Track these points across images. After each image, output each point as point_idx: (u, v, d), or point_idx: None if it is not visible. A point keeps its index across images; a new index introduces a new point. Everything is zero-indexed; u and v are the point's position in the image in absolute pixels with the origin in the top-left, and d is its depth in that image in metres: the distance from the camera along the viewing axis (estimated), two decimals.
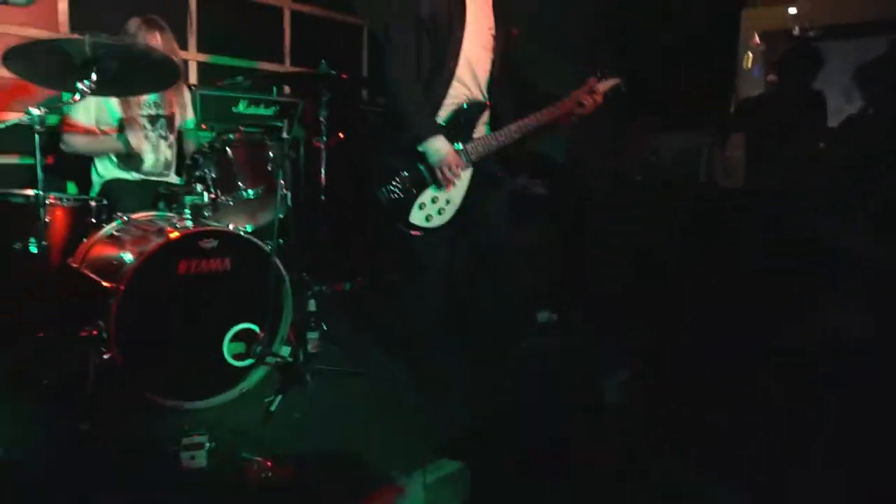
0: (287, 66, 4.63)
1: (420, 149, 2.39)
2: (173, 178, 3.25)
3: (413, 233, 2.49)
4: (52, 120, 3.00)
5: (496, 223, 2.60)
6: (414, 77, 2.38)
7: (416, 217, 2.48)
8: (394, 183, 2.45)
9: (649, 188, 3.73)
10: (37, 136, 2.20)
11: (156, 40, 2.99)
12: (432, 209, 2.48)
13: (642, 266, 3.59)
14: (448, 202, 2.49)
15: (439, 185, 2.43)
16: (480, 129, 2.53)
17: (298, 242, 2.93)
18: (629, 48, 2.50)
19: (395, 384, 2.70)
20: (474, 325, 2.78)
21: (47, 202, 2.51)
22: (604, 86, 2.48)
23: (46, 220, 2.49)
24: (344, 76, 2.99)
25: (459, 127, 2.46)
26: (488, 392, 2.59)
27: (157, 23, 3.05)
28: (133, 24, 3.03)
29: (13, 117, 2.28)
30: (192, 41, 4.13)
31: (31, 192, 2.66)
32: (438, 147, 2.37)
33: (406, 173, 2.44)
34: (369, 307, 3.82)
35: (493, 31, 2.46)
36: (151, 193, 2.96)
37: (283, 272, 2.55)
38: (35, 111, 2.17)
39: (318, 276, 3.10)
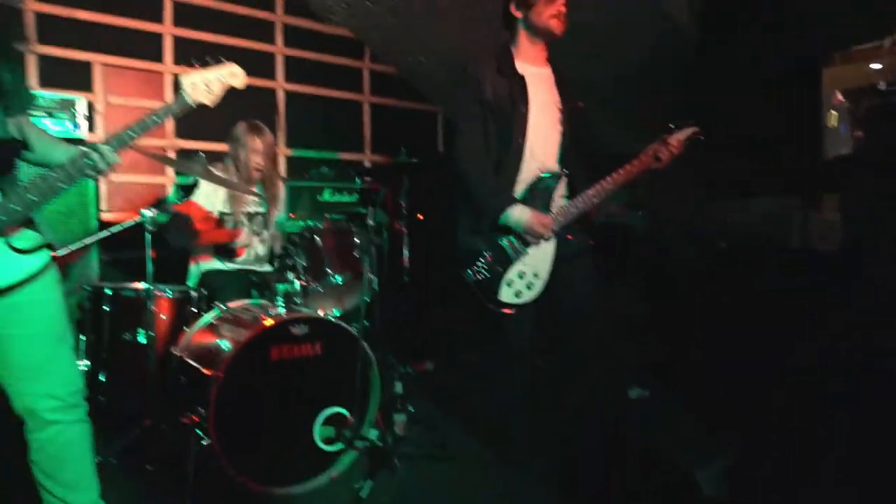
0: (367, 155, 4.88)
1: (501, 223, 2.43)
2: (266, 267, 3.41)
3: (505, 311, 2.48)
4: (162, 219, 3.26)
5: (581, 292, 2.56)
6: (483, 159, 2.46)
7: (506, 295, 2.47)
8: (479, 263, 2.47)
9: (737, 255, 3.59)
10: (147, 235, 2.40)
11: (256, 143, 3.22)
12: (521, 285, 2.48)
13: (742, 340, 3.41)
14: (536, 275, 2.48)
15: (523, 255, 2.45)
16: (559, 201, 2.54)
17: (384, 325, 2.98)
18: (708, 115, 2.47)
19: (484, 469, 2.63)
20: (560, 400, 2.70)
21: (154, 294, 2.70)
22: (680, 136, 2.43)
23: (153, 311, 2.68)
24: (422, 162, 3.11)
25: (537, 200, 2.49)
26: (576, 476, 2.48)
27: (259, 126, 3.30)
28: (239, 128, 3.28)
29: (129, 219, 2.51)
30: (281, 137, 4.44)
31: (140, 285, 2.88)
32: (519, 214, 2.41)
33: (489, 253, 2.47)
34: (454, 388, 3.79)
35: (559, 106, 2.53)
36: (246, 281, 3.12)
37: (371, 355, 2.59)
38: (147, 212, 2.38)
39: (403, 358, 3.13)
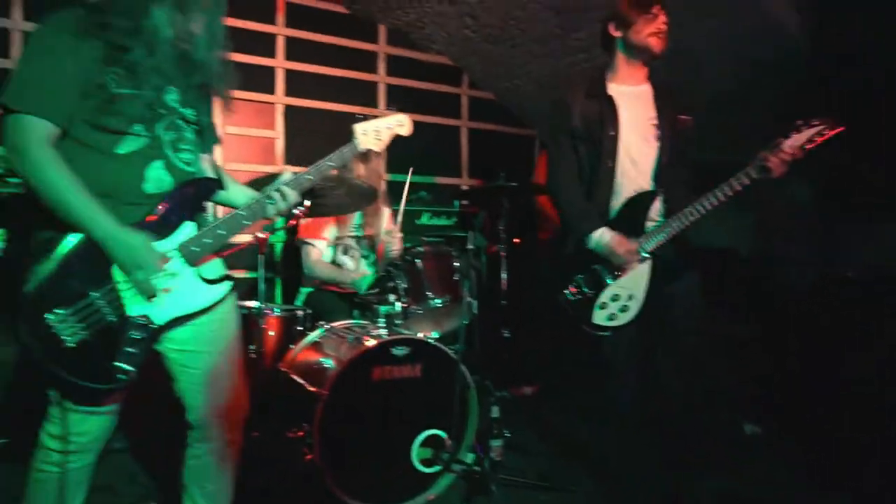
0: (464, 179, 4.94)
1: (588, 246, 2.41)
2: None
3: (599, 333, 2.43)
4: (273, 239, 3.44)
5: (681, 315, 2.46)
6: (573, 183, 2.48)
7: (599, 317, 2.43)
8: (573, 285, 2.45)
9: (868, 285, 3.30)
10: (260, 256, 2.54)
11: (360, 166, 3.35)
12: (614, 307, 2.42)
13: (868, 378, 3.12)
14: (631, 298, 2.41)
15: (615, 278, 2.39)
16: (654, 220, 2.46)
17: (482, 348, 2.98)
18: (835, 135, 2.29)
19: (583, 499, 2.54)
20: (664, 429, 2.58)
21: (264, 313, 2.83)
22: (800, 138, 2.17)
23: (263, 328, 2.81)
24: (521, 186, 3.11)
25: (630, 221, 2.43)
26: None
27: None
28: None
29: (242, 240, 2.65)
30: (381, 162, 4.57)
31: (252, 303, 3.04)
32: (600, 237, 2.39)
33: (583, 275, 2.45)
34: (552, 413, 3.71)
35: (654, 122, 2.45)
36: (349, 301, 3.22)
37: (469, 379, 2.59)
38: (260, 234, 2.52)
39: (501, 382, 3.09)
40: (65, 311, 1.52)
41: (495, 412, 3.03)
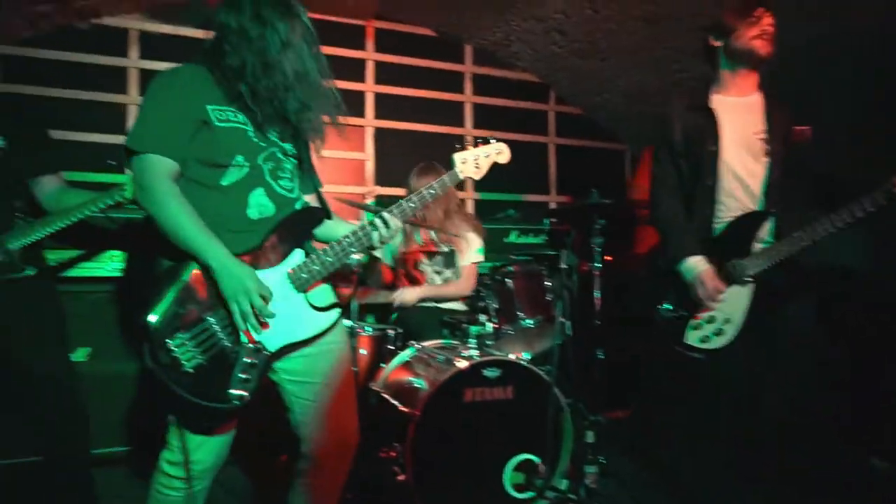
0: (553, 196, 4.86)
1: (679, 269, 2.30)
2: (455, 305, 3.50)
3: (692, 355, 2.30)
4: (364, 260, 3.48)
5: (789, 343, 2.27)
6: (672, 202, 2.37)
7: (692, 338, 2.29)
8: (666, 304, 2.33)
9: None
10: (354, 275, 2.58)
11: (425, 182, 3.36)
12: (708, 330, 2.28)
13: None
14: (727, 322, 2.26)
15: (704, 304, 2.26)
16: (762, 241, 2.29)
17: (575, 370, 2.88)
18: None
19: None
20: (768, 459, 2.38)
21: (357, 332, 2.87)
22: None
23: (355, 347, 2.84)
24: (618, 203, 3.01)
25: (734, 242, 2.27)
26: None
27: (432, 168, 3.45)
28: (413, 172, 3.46)
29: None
30: (469, 182, 4.58)
31: (345, 322, 3.09)
32: (694, 266, 2.27)
33: (677, 293, 2.32)
34: (649, 439, 3.53)
35: (761, 135, 2.29)
36: (438, 320, 3.21)
37: (563, 402, 2.51)
38: (354, 256, 2.56)
39: (594, 405, 2.98)
40: (184, 336, 1.59)
41: (590, 437, 2.93)
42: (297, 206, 1.83)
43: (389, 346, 3.05)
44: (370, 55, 4.31)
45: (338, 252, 1.77)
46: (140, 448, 2.97)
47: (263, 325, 1.66)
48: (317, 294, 1.80)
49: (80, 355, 2.90)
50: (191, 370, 1.58)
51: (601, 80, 4.44)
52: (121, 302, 3.04)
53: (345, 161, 4.26)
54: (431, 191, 1.91)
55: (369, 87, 4.32)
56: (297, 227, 1.76)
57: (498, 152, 2.09)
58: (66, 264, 3.06)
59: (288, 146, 1.81)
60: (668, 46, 3.77)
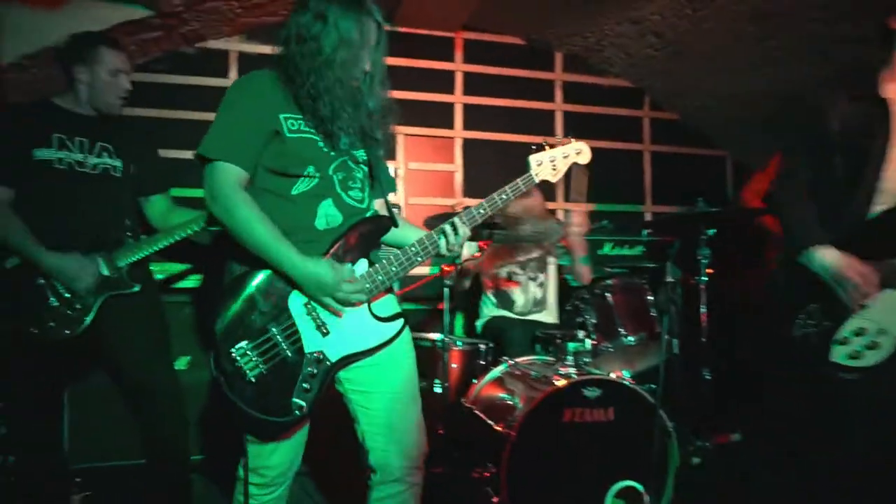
0: (648, 206, 4.64)
1: (801, 261, 2.03)
2: (548, 317, 3.39)
3: (843, 375, 2.03)
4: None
5: None
6: (801, 197, 2.08)
7: (837, 355, 2.03)
8: (801, 317, 2.07)
9: None
10: (446, 290, 2.52)
11: (525, 202, 3.29)
12: (858, 343, 2.01)
13: None
14: (882, 332, 1.98)
15: (855, 309, 1.98)
16: None
17: (682, 391, 2.69)
18: None
19: None
20: None
21: (448, 346, 2.81)
22: None
23: (447, 362, 2.79)
24: (728, 212, 2.80)
25: (884, 238, 2.00)
26: None
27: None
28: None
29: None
30: (560, 192, 4.46)
31: (435, 335, 3.05)
32: (823, 256, 1.99)
33: (815, 305, 2.06)
34: (765, 467, 3.25)
35: None
36: (530, 333, 3.11)
37: (669, 426, 2.33)
38: (446, 268, 2.51)
39: (701, 429, 2.77)
40: (247, 345, 1.59)
41: (696, 463, 2.73)
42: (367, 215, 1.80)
43: (480, 361, 2.97)
44: (459, 66, 4.29)
45: (403, 262, 1.73)
46: (217, 455, 3.03)
47: (357, 303, 1.66)
48: (381, 304, 1.77)
49: (181, 364, 3.01)
50: (253, 380, 1.58)
51: (700, 83, 4.20)
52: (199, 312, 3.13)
53: (434, 173, 4.24)
54: (503, 196, 1.82)
55: (458, 98, 4.29)
56: (362, 237, 1.73)
57: (577, 152, 1.95)
58: (171, 279, 3.20)
59: (359, 153, 1.78)
60: (776, 45, 3.50)
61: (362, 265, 1.72)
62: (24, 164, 2.26)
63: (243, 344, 1.59)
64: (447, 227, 1.77)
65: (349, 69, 1.67)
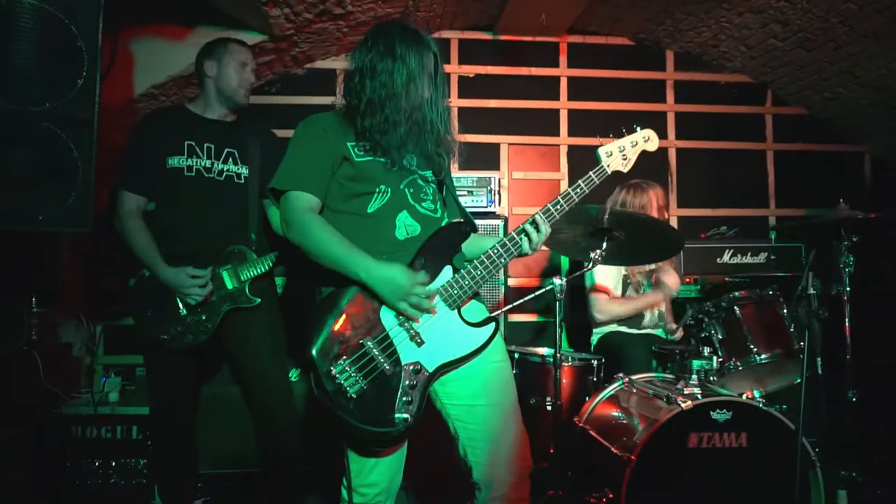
0: (772, 210, 4.28)
1: None
2: (658, 331, 3.19)
3: None
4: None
5: None
6: None
7: None
8: None
9: None
10: (558, 303, 2.41)
11: (648, 200, 3.09)
12: None
13: None
14: None
15: None
16: None
17: (826, 415, 2.42)
18: None
19: None
20: None
21: (560, 362, 2.69)
22: None
23: (558, 378, 2.66)
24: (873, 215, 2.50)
25: None
26: None
27: (642, 186, 3.16)
28: (621, 190, 3.21)
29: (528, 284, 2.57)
30: (672, 197, 4.21)
31: (544, 350, 2.94)
32: None
33: None
34: None
35: None
36: (648, 349, 2.93)
37: (813, 454, 2.09)
38: (557, 281, 2.40)
39: (847, 458, 2.48)
40: (346, 363, 1.59)
41: (842, 498, 2.44)
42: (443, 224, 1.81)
43: (592, 378, 2.83)
44: (563, 71, 4.17)
45: (487, 265, 1.72)
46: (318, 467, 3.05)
47: (430, 310, 1.65)
48: (470, 309, 1.76)
49: (292, 375, 3.08)
50: (354, 396, 1.58)
51: (834, 72, 3.82)
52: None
53: (539, 181, 4.13)
54: (578, 190, 1.82)
55: (563, 105, 4.16)
56: (444, 244, 1.74)
57: (646, 139, 1.94)
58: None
59: (427, 173, 1.84)
60: None
61: (447, 272, 1.72)
62: (159, 171, 2.39)
63: (342, 361, 1.59)
64: (528, 227, 1.77)
65: (415, 100, 1.75)
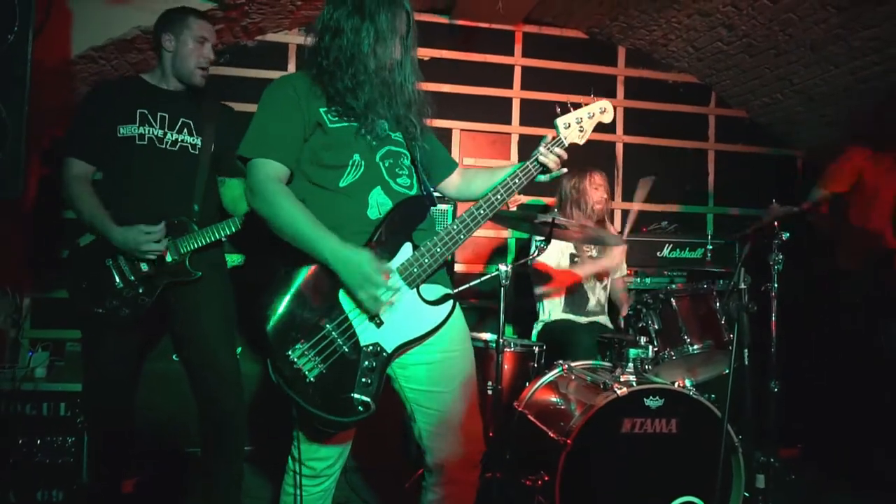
0: (711, 207, 4.45)
1: None
2: (606, 321, 3.29)
3: None
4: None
5: None
6: None
7: None
8: None
9: None
10: (502, 290, 2.45)
11: (595, 178, 3.25)
12: None
13: None
14: None
15: None
16: None
17: (748, 404, 2.54)
18: None
19: None
20: None
21: (502, 347, 2.73)
22: None
23: (500, 363, 2.70)
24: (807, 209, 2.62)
25: None
26: None
27: (586, 170, 3.33)
28: (574, 174, 3.32)
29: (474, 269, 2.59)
30: (618, 191, 4.32)
31: (488, 336, 2.98)
32: None
33: None
34: (824, 483, 3.07)
35: None
36: (592, 338, 3.00)
37: (736, 440, 2.21)
38: (503, 268, 2.43)
39: (766, 444, 2.62)
40: (304, 346, 1.55)
41: (761, 482, 2.58)
42: None
43: (533, 364, 2.89)
44: (518, 60, 4.19)
45: (446, 241, 1.68)
46: (264, 446, 3.02)
47: (383, 312, 1.61)
48: (429, 287, 1.71)
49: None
50: (313, 380, 1.54)
51: (773, 78, 3.98)
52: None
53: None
54: (534, 163, 1.80)
55: (516, 93, 4.19)
56: (404, 220, 1.68)
57: (602, 110, 1.90)
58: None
59: (399, 136, 1.79)
60: (865, 35, 3.27)
61: (406, 249, 1.67)
62: (109, 140, 2.31)
63: (300, 345, 1.55)
64: (491, 197, 1.74)
65: (384, 60, 1.68)
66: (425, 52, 4.05)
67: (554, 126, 1.84)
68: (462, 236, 1.70)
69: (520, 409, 2.64)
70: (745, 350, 2.25)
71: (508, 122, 4.18)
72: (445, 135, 4.08)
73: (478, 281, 2.52)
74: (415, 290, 1.67)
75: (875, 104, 3.64)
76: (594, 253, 3.29)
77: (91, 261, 2.29)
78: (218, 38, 3.60)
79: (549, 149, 1.79)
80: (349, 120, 1.68)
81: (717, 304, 2.45)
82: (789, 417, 3.39)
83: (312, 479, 1.75)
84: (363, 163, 1.68)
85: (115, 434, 2.46)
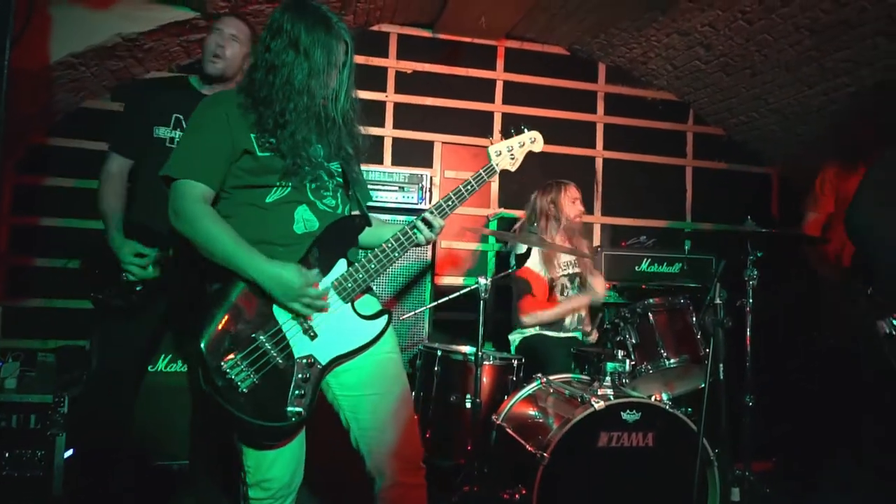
0: (688, 222, 4.52)
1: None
2: (579, 334, 3.30)
3: None
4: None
5: None
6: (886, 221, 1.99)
7: None
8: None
9: None
10: (482, 302, 2.46)
11: (571, 190, 3.31)
12: None
13: None
14: None
15: None
16: None
17: (724, 417, 2.57)
18: None
19: None
20: None
21: (481, 360, 2.73)
22: None
23: (479, 376, 2.71)
24: (776, 231, 2.67)
25: None
26: None
27: (565, 181, 3.39)
28: (551, 187, 3.36)
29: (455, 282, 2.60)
30: (598, 206, 4.36)
31: (467, 349, 2.98)
32: None
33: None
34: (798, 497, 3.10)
35: None
36: (568, 351, 3.02)
37: (711, 454, 2.23)
38: (482, 281, 2.44)
39: (741, 457, 2.65)
40: (236, 357, 1.56)
41: (736, 495, 2.60)
42: None
43: (512, 378, 2.89)
44: (500, 75, 4.24)
45: (381, 258, 1.74)
46: (201, 462, 2.97)
47: (315, 322, 1.65)
48: (364, 302, 1.77)
49: (161, 364, 3.01)
50: (246, 391, 1.56)
51: (749, 97, 4.07)
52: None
53: None
54: (469, 187, 1.87)
55: (498, 108, 4.23)
56: (339, 237, 1.74)
57: (532, 140, 2.01)
58: None
59: (333, 165, 1.81)
60: (838, 57, 3.36)
61: (341, 265, 1.73)
62: (146, 138, 2.39)
63: (232, 357, 1.56)
64: (420, 223, 1.80)
65: (317, 95, 1.70)
66: (408, 66, 4.08)
67: (487, 153, 1.94)
68: (396, 254, 1.76)
69: (498, 422, 2.64)
70: (721, 364, 2.28)
71: (490, 136, 4.20)
72: (427, 147, 4.10)
73: (458, 294, 2.53)
74: (349, 304, 1.72)
75: (849, 122, 3.71)
76: (571, 291, 3.29)
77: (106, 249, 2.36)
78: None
79: (433, 216, 1.83)
80: (279, 148, 1.68)
81: (694, 319, 2.48)
82: (765, 431, 3.44)
83: (268, 500, 1.73)
84: (290, 184, 1.70)
85: (105, 438, 2.44)
